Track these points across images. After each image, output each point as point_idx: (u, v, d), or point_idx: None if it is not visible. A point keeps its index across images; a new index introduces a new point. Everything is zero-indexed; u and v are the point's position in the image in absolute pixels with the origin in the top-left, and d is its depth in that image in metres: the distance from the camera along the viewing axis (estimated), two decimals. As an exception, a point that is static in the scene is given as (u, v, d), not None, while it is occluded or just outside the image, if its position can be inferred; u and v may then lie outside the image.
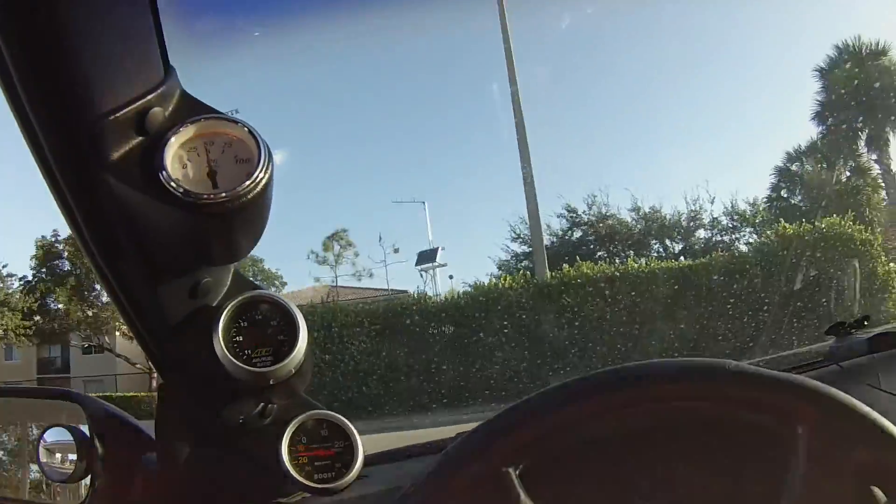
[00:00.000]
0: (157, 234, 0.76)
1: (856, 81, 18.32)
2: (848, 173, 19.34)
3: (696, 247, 18.55)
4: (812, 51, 27.28)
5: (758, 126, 27.66)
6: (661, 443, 0.82)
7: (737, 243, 17.43)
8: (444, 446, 1.43)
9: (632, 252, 16.87)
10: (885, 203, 18.33)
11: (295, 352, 0.86)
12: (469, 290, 13.60)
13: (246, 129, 0.72)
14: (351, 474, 0.93)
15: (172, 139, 0.70)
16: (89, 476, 1.11)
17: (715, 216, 19.25)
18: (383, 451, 1.26)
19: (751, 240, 15.33)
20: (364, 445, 0.95)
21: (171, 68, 0.72)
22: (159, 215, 0.71)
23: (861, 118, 19.00)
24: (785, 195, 20.05)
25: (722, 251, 14.16)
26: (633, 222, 19.45)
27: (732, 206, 19.01)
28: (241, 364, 0.83)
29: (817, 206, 15.01)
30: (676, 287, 11.72)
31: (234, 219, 0.72)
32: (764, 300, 11.22)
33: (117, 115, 0.67)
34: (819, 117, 19.70)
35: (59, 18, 0.58)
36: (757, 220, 17.96)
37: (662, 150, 27.31)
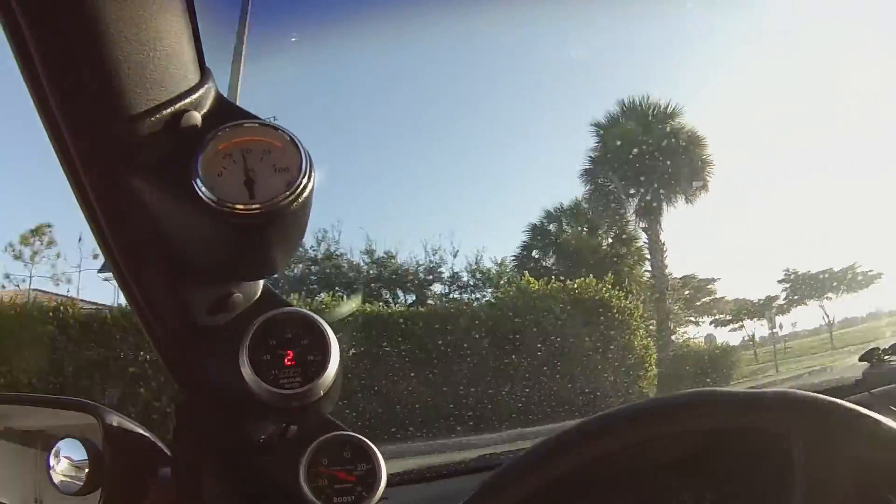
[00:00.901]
0: (188, 242, 0.72)
1: (635, 146, 16.13)
2: (611, 239, 17.78)
3: (431, 301, 16.08)
4: (588, 105, 24.52)
5: (518, 180, 24.86)
6: (689, 470, 0.80)
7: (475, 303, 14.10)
8: (467, 468, 1.42)
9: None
10: (646, 276, 16.96)
11: (325, 375, 0.81)
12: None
13: (287, 136, 0.68)
14: (373, 499, 0.89)
15: (209, 145, 0.66)
16: (100, 489, 1.09)
17: (456, 271, 16.32)
18: (404, 472, 1.23)
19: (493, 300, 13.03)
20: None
21: (207, 70, 0.69)
22: (191, 223, 0.68)
23: (635, 183, 16.81)
24: (537, 255, 17.69)
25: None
26: (366, 266, 16.47)
27: (477, 263, 16.21)
28: (267, 385, 0.78)
29: (573, 270, 13.35)
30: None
31: (270, 231, 0.68)
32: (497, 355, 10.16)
33: (151, 117, 0.64)
34: (588, 175, 17.35)
35: (92, 16, 0.56)
36: (501, 281, 14.96)
37: (406, 190, 23.87)
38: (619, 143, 16.37)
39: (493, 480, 0.71)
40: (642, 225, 17.26)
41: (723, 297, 20.28)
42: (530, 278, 11.73)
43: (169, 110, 0.65)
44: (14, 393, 1.38)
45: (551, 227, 17.92)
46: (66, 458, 1.16)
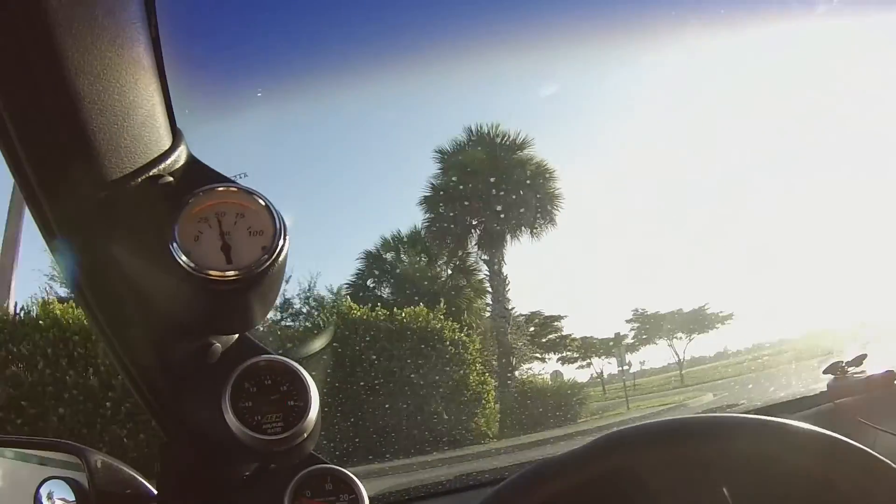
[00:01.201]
0: (165, 303, 0.73)
1: (480, 175, 15.00)
2: (450, 270, 16.67)
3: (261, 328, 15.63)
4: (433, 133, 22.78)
5: (356, 204, 23.28)
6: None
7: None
8: (447, 489, 1.44)
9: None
10: (488, 311, 15.89)
11: (306, 419, 0.81)
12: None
13: (260, 200, 0.69)
14: None
15: (184, 209, 0.66)
16: (87, 530, 1.10)
17: (287, 297, 15.27)
18: (386, 493, 1.25)
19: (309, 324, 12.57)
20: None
21: (178, 132, 0.70)
22: (168, 286, 0.68)
23: (477, 213, 15.58)
24: (371, 284, 16.63)
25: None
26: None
27: (310, 289, 15.34)
28: (250, 432, 0.79)
29: (409, 301, 12.07)
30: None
31: (248, 294, 0.69)
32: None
33: (126, 183, 0.65)
34: (428, 203, 15.91)
35: (67, 90, 0.57)
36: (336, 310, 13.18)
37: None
38: (463, 170, 15.38)
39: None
40: (484, 257, 16.21)
41: (570, 335, 19.57)
42: (352, 304, 10.96)
43: (143, 175, 0.66)
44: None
45: (388, 255, 16.97)
46: (52, 498, 1.18)
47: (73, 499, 1.15)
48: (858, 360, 1.52)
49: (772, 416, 0.78)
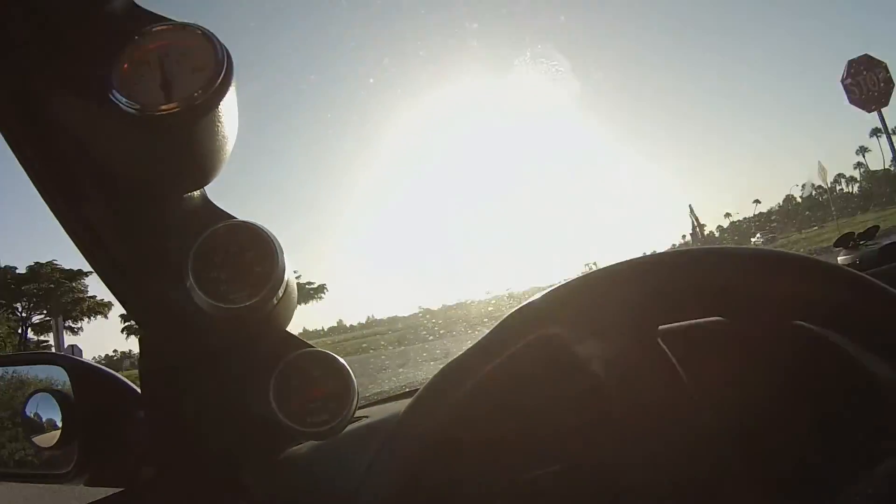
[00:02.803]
0: (116, 159, 0.69)
1: None
2: None
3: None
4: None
5: None
6: None
7: None
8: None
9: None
10: None
11: (272, 281, 0.77)
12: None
13: (200, 31, 0.64)
14: (348, 414, 0.87)
15: (122, 54, 0.63)
16: (76, 440, 1.07)
17: None
18: (380, 392, 1.22)
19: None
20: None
21: None
22: (116, 139, 0.66)
23: None
24: None
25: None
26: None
27: None
28: (214, 301, 0.75)
29: None
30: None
31: (195, 132, 0.64)
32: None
33: (66, 29, 0.62)
34: None
35: None
36: None
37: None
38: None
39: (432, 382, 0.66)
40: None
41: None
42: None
43: (83, 19, 0.63)
44: None
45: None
46: (39, 412, 1.14)
47: (59, 410, 1.12)
48: (871, 233, 1.47)
49: None
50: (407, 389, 1.23)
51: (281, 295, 0.79)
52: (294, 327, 0.92)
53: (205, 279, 0.76)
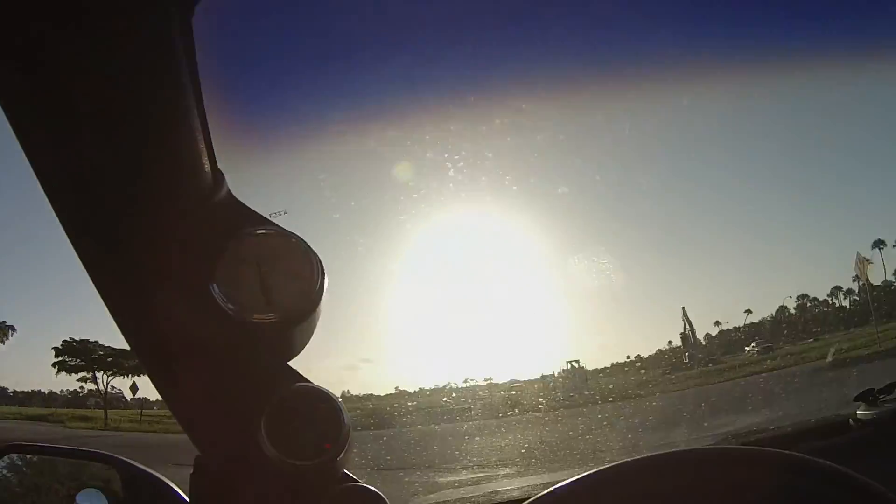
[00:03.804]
0: (210, 342, 0.75)
1: None
2: None
3: None
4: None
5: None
6: None
7: None
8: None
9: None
10: None
11: (338, 444, 0.82)
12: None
13: (299, 243, 0.70)
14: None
15: (226, 252, 0.68)
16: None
17: None
18: None
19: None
20: None
21: (220, 173, 0.71)
22: (212, 328, 0.70)
23: None
24: None
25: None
26: None
27: None
28: (283, 456, 0.80)
29: None
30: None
31: (287, 332, 0.71)
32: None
33: (171, 227, 0.67)
34: None
35: (110, 131, 0.59)
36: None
37: None
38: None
39: None
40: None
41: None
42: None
43: (187, 218, 0.68)
44: (40, 444, 1.42)
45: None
46: (87, 506, 1.21)
47: (109, 507, 1.19)
48: (891, 388, 1.48)
49: (802, 441, 0.80)
50: None
51: (343, 453, 0.83)
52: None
53: (273, 433, 0.80)
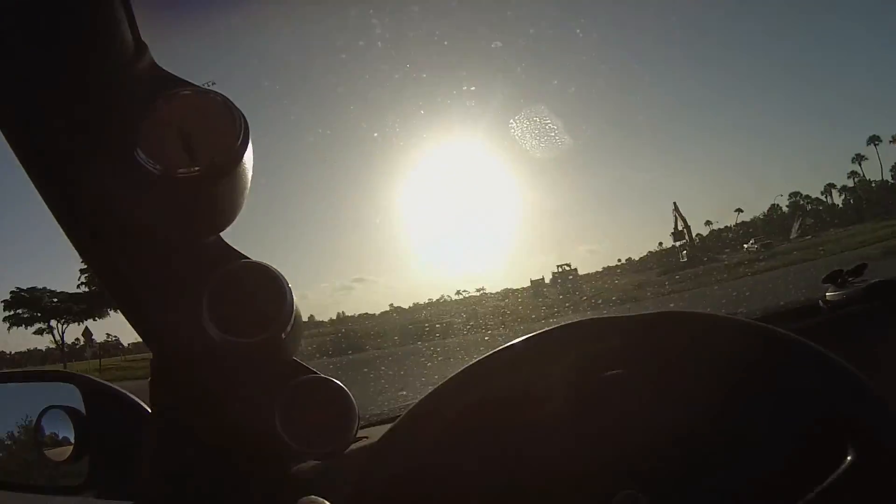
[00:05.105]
0: (140, 213, 0.74)
1: None
2: None
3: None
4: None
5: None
6: None
7: None
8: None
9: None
10: None
11: (281, 317, 0.82)
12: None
13: (218, 98, 0.69)
14: (349, 436, 0.92)
15: (148, 115, 0.68)
16: (87, 455, 1.11)
17: None
18: (379, 414, 1.26)
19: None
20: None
21: (143, 44, 0.70)
22: (140, 192, 0.70)
23: None
24: None
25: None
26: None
27: None
28: (227, 336, 0.80)
29: None
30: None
31: (213, 191, 0.70)
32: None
33: (93, 94, 0.66)
34: None
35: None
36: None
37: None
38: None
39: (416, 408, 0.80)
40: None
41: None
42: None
43: (108, 84, 0.67)
44: None
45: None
46: (52, 427, 1.18)
47: (72, 426, 1.16)
48: (859, 270, 1.50)
49: (771, 324, 0.79)
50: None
51: (289, 330, 0.84)
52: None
53: (218, 314, 0.81)
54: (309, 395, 0.92)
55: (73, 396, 1.17)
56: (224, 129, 0.69)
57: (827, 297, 1.46)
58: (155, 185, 0.67)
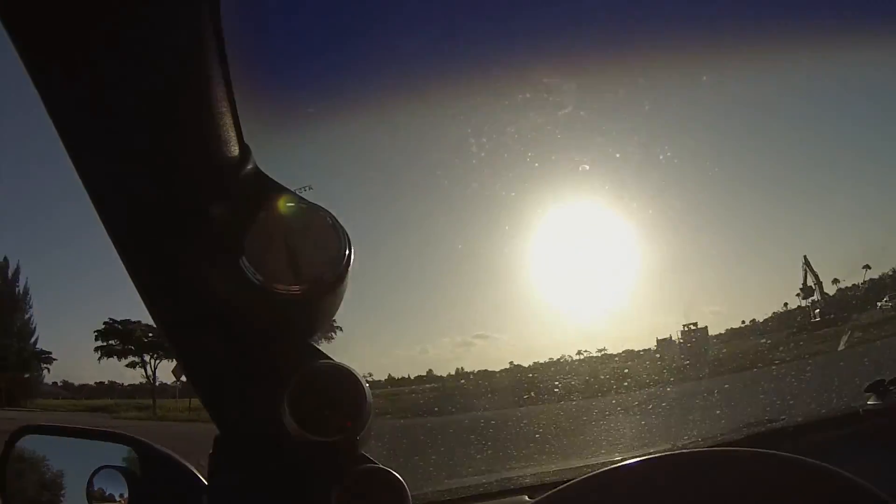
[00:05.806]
0: (234, 313, 0.77)
1: None
2: None
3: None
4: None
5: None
6: None
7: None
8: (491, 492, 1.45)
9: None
10: None
11: (359, 422, 0.82)
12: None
13: (325, 216, 0.71)
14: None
15: (254, 225, 0.69)
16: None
17: None
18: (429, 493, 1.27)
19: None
20: None
21: (246, 147, 0.72)
22: (238, 299, 0.72)
23: None
24: None
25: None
26: None
27: None
28: (306, 432, 0.80)
29: None
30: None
31: (312, 306, 0.72)
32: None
33: (198, 199, 0.68)
34: None
35: (136, 104, 0.60)
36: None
37: None
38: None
39: None
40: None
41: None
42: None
43: (213, 191, 0.69)
44: (58, 425, 1.44)
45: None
46: (105, 486, 1.23)
47: (126, 487, 1.20)
48: (900, 379, 1.49)
49: (812, 433, 0.84)
50: None
51: (363, 432, 0.83)
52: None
53: (296, 408, 0.80)
54: (365, 485, 0.92)
55: (130, 458, 1.22)
56: (328, 247, 0.70)
57: (868, 406, 1.45)
58: (255, 291, 0.68)
